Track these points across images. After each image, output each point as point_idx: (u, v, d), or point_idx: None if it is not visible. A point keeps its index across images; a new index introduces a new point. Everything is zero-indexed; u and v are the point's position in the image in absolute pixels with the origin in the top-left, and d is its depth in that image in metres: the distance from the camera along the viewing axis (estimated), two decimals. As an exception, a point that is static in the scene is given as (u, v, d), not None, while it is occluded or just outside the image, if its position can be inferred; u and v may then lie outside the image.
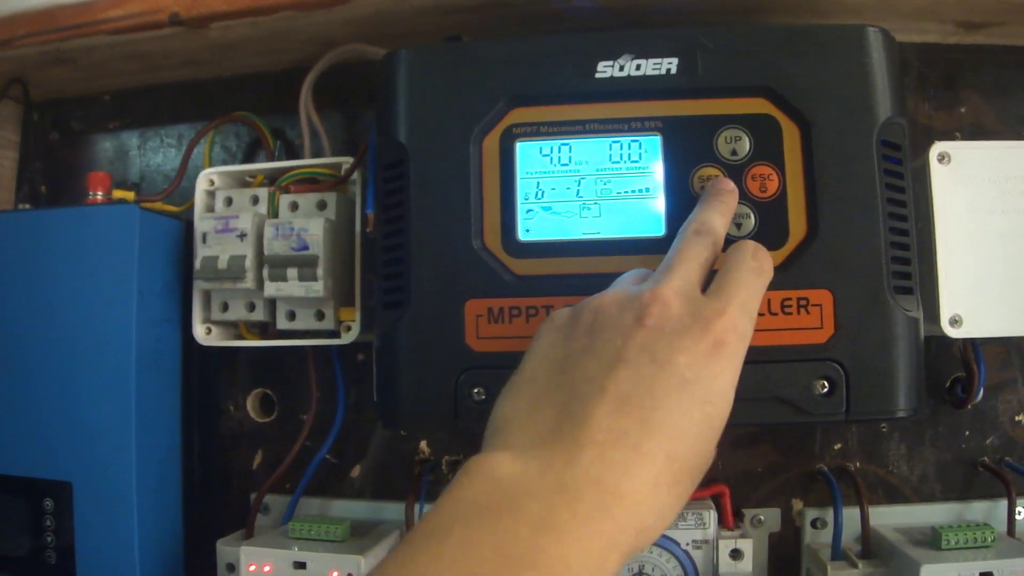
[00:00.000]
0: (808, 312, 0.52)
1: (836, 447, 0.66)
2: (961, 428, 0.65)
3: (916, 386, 0.53)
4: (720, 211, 0.49)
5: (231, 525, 0.67)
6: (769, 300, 0.52)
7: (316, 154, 0.68)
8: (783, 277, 0.52)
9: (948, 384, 0.65)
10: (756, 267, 0.45)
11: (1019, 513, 0.63)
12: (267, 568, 0.59)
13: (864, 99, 0.53)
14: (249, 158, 0.72)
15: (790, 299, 0.52)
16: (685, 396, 0.39)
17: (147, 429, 0.63)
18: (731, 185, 0.51)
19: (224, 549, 0.63)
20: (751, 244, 0.46)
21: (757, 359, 0.51)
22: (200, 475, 0.69)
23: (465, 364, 0.53)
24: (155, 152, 0.74)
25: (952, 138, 0.66)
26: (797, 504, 0.66)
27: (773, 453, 0.66)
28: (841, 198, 0.52)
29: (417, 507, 0.64)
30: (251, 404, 0.70)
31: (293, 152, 0.71)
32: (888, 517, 0.64)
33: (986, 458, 0.65)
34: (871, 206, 0.52)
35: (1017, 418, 0.65)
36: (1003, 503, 0.63)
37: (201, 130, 0.69)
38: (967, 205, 0.59)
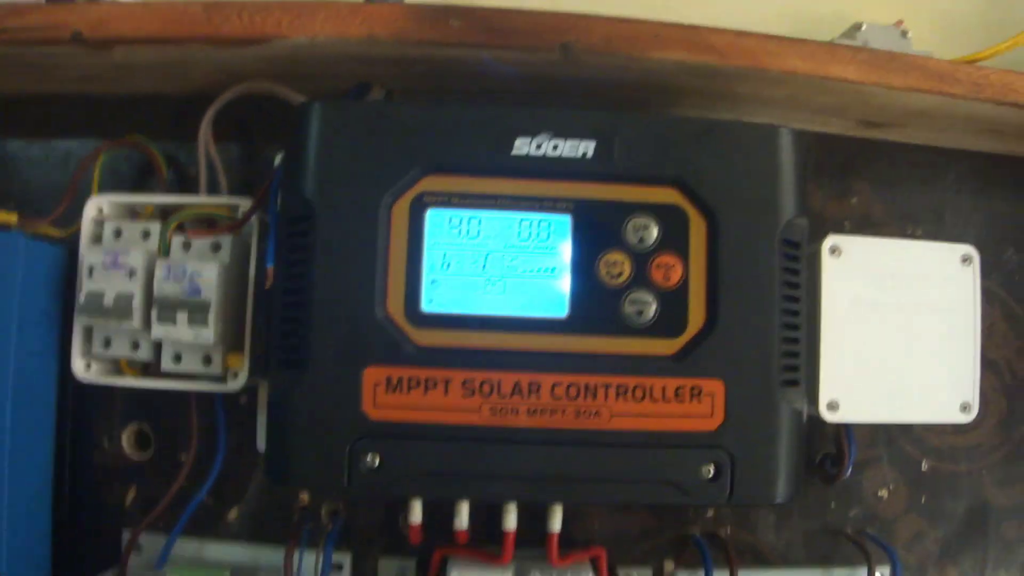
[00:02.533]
0: (700, 400, 0.53)
1: (708, 514, 0.67)
2: (827, 500, 0.68)
3: (795, 475, 0.54)
4: None
5: (101, 563, 0.64)
6: (664, 386, 0.52)
7: (211, 188, 0.65)
8: (678, 365, 0.53)
9: (818, 460, 0.67)
10: None
11: (876, 582, 0.66)
12: (142, 619, 0.56)
13: (771, 198, 0.54)
14: (139, 184, 0.68)
15: (683, 387, 0.53)
16: None
17: (20, 464, 0.59)
18: None
19: (95, 595, 0.60)
20: None
21: (647, 443, 0.53)
22: (71, 511, 0.65)
23: (360, 431, 0.51)
24: (39, 166, 0.68)
25: (841, 227, 0.69)
26: (669, 565, 0.67)
27: (648, 518, 0.67)
28: (740, 291, 0.53)
29: (296, 555, 0.62)
30: (126, 440, 0.67)
31: (186, 182, 0.67)
32: (756, 582, 0.67)
33: (849, 529, 0.68)
34: (768, 301, 0.53)
35: (880, 493, 0.69)
36: (862, 571, 0.67)
37: (93, 151, 0.64)
38: (852, 296, 0.62)
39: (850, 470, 0.65)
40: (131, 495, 0.66)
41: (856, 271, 0.62)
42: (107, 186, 0.65)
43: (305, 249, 0.53)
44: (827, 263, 0.61)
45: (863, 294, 0.62)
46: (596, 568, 0.62)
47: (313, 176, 0.53)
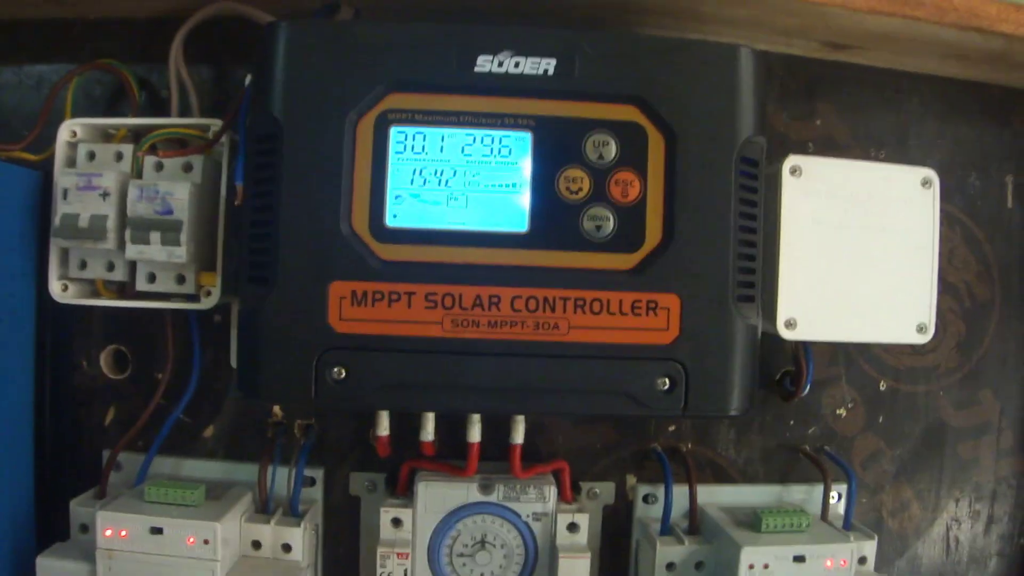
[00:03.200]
0: (656, 314, 0.54)
1: (670, 428, 0.69)
2: (786, 418, 0.70)
3: (749, 388, 0.56)
4: None
5: (82, 482, 0.66)
6: (621, 300, 0.54)
7: (183, 111, 0.65)
8: (635, 279, 0.54)
9: (778, 377, 0.69)
10: None
11: (833, 498, 0.68)
12: (123, 533, 0.58)
13: (729, 117, 0.55)
14: (112, 107, 0.68)
15: (640, 301, 0.54)
16: None
17: (2, 387, 0.61)
18: None
19: (78, 509, 0.62)
20: None
21: (604, 355, 0.54)
22: (51, 432, 0.67)
23: (327, 344, 0.53)
24: (12, 92, 0.69)
25: (805, 149, 0.70)
26: (631, 479, 0.69)
27: (611, 432, 0.69)
28: (697, 208, 0.54)
29: (270, 469, 0.64)
30: (104, 360, 0.68)
31: (159, 105, 0.68)
32: (714, 496, 0.69)
33: (807, 446, 0.70)
34: (724, 218, 0.55)
35: (838, 411, 0.71)
36: (819, 487, 0.69)
37: (66, 75, 0.64)
38: (812, 217, 0.63)
39: (808, 388, 0.66)
40: (110, 415, 0.68)
41: (816, 192, 0.63)
42: (80, 110, 0.65)
43: (273, 167, 0.53)
44: (787, 183, 0.62)
45: (823, 215, 0.63)
46: (559, 481, 0.65)
47: (280, 95, 0.54)
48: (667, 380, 0.54)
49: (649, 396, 0.54)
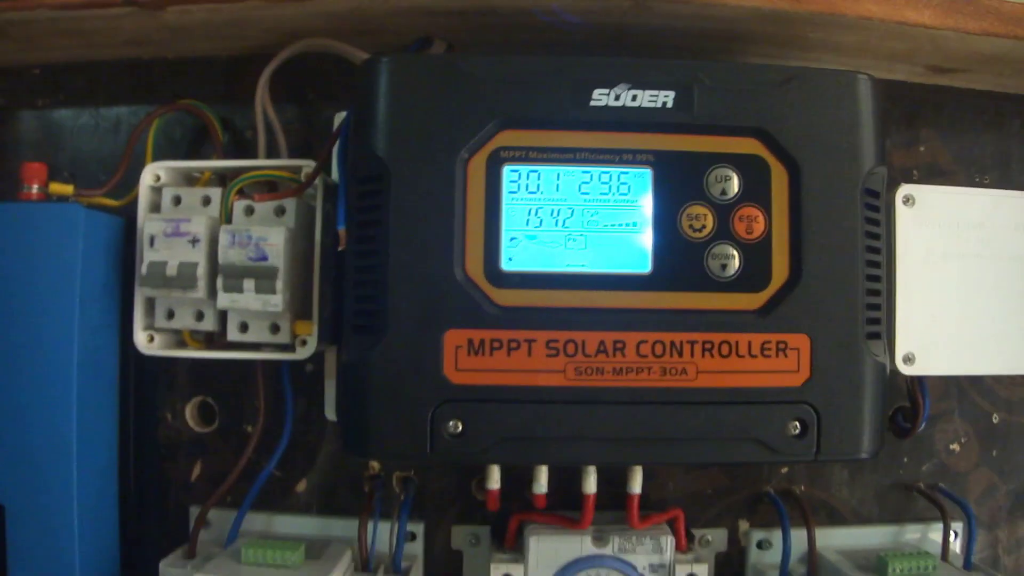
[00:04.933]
0: (786, 356, 0.50)
1: (783, 471, 0.65)
2: (900, 456, 0.66)
3: (879, 428, 0.52)
4: None
5: (168, 540, 0.62)
6: (750, 342, 0.50)
7: (270, 151, 0.62)
8: (764, 320, 0.50)
9: (890, 413, 0.65)
10: None
11: (952, 536, 0.64)
12: (221, 597, 0.54)
13: (853, 147, 0.51)
14: (194, 149, 0.65)
15: (769, 342, 0.50)
16: None
17: (87, 443, 0.57)
18: None
19: (169, 571, 0.57)
20: None
21: (734, 400, 0.50)
22: (136, 488, 0.63)
23: (442, 396, 0.49)
24: (89, 135, 0.65)
25: (910, 176, 0.66)
26: (743, 525, 0.65)
27: (722, 476, 0.65)
28: (824, 244, 0.51)
29: (370, 525, 0.60)
30: (189, 413, 0.64)
31: (242, 146, 0.64)
32: (829, 538, 0.64)
33: (921, 484, 0.66)
34: (852, 253, 0.51)
35: (951, 446, 0.66)
36: (935, 526, 0.65)
37: (146, 117, 0.61)
38: (926, 248, 0.59)
39: (924, 424, 0.62)
40: (197, 470, 0.64)
41: (930, 221, 0.59)
42: (161, 153, 0.62)
43: (379, 209, 0.50)
44: (901, 213, 0.58)
45: (937, 244, 0.59)
46: (674, 529, 0.60)
47: (384, 133, 0.50)
48: (798, 424, 0.50)
49: (780, 441, 0.50)
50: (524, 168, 0.50)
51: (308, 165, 0.57)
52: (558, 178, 0.51)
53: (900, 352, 0.58)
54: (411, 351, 0.49)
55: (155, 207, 0.58)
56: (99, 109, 0.66)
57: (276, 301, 0.55)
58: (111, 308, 0.59)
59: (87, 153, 0.66)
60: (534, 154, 0.51)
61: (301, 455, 0.63)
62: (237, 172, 0.58)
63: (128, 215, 0.59)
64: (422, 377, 0.49)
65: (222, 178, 0.60)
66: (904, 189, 0.58)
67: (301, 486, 0.64)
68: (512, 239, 0.50)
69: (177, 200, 0.58)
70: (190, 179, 0.60)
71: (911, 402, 0.63)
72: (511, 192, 0.50)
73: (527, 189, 0.50)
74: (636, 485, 0.56)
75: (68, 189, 0.58)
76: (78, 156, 0.66)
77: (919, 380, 0.62)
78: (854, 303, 0.51)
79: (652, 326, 0.49)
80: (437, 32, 0.58)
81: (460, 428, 0.49)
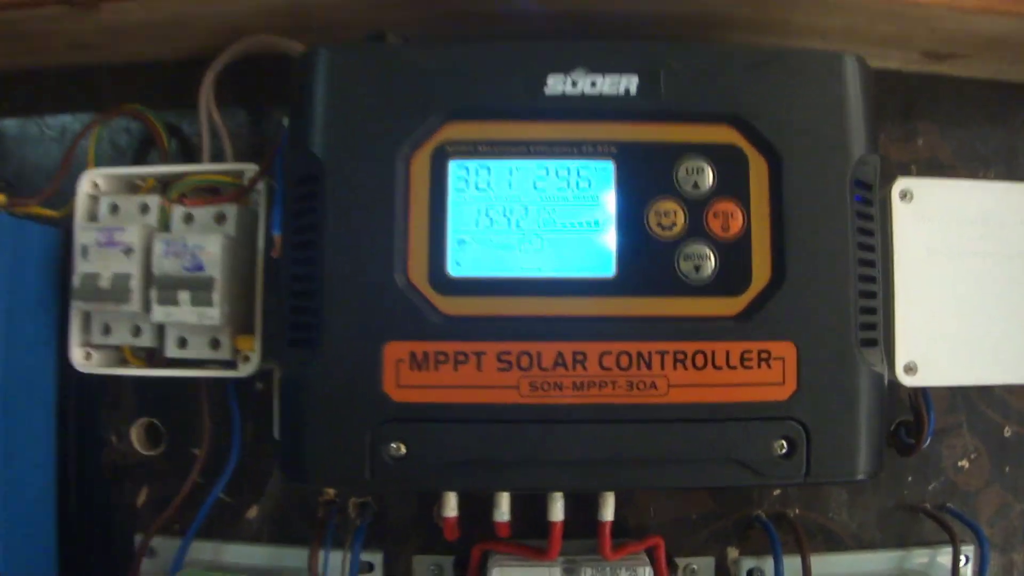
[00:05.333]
0: (769, 366, 0.44)
1: (775, 493, 0.58)
2: (903, 474, 0.58)
3: (878, 446, 0.45)
4: None
5: (114, 571, 0.56)
6: (728, 351, 0.43)
7: (216, 157, 0.56)
8: (744, 327, 0.44)
9: (892, 428, 0.58)
10: None
11: (963, 561, 0.56)
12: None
13: (839, 134, 0.45)
14: (141, 157, 0.59)
15: (750, 352, 0.43)
16: None
17: (17, 466, 0.51)
18: None
19: (105, 607, 0.52)
20: None
21: (711, 417, 0.43)
22: (79, 515, 0.57)
23: (382, 415, 0.42)
24: (34, 145, 0.60)
25: (908, 172, 0.59)
26: (732, 553, 0.58)
27: (707, 500, 0.58)
28: (810, 241, 0.44)
29: (322, 554, 0.54)
30: (135, 435, 0.58)
31: (190, 153, 0.59)
32: (828, 566, 0.57)
33: (927, 505, 0.59)
34: (841, 251, 0.44)
35: (960, 463, 0.59)
36: (944, 550, 0.57)
37: (88, 124, 0.56)
38: (927, 246, 0.52)
39: (929, 440, 0.55)
40: (143, 496, 0.58)
41: (930, 217, 0.52)
42: (105, 162, 0.57)
43: (314, 212, 0.44)
44: (898, 209, 0.52)
45: (938, 242, 0.52)
46: (653, 559, 0.53)
47: (320, 130, 0.44)
48: (784, 443, 0.43)
49: (764, 463, 0.43)
50: (473, 163, 0.44)
51: (252, 169, 0.51)
52: (511, 173, 0.44)
53: (901, 361, 0.51)
54: (348, 366, 0.43)
55: (92, 216, 0.53)
56: (44, 118, 0.60)
57: (213, 314, 0.49)
58: (48, 324, 0.54)
59: (32, 163, 0.60)
60: (484, 148, 0.44)
61: (251, 480, 0.57)
62: (179, 178, 0.52)
63: (68, 227, 0.53)
64: (360, 394, 0.43)
65: (165, 186, 0.54)
66: (901, 183, 0.52)
67: (252, 512, 0.57)
68: (460, 241, 0.44)
69: (115, 208, 0.53)
70: (134, 188, 0.54)
71: (914, 416, 0.55)
72: (458, 190, 0.44)
73: (476, 186, 0.44)
74: (608, 512, 0.49)
75: (0, 199, 0.53)
76: (24, 167, 0.60)
77: (923, 392, 0.55)
78: (845, 307, 0.44)
79: (617, 335, 0.43)
80: (387, 25, 0.52)
81: (403, 451, 0.42)
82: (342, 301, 0.43)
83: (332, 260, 0.43)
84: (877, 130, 0.47)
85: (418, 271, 0.43)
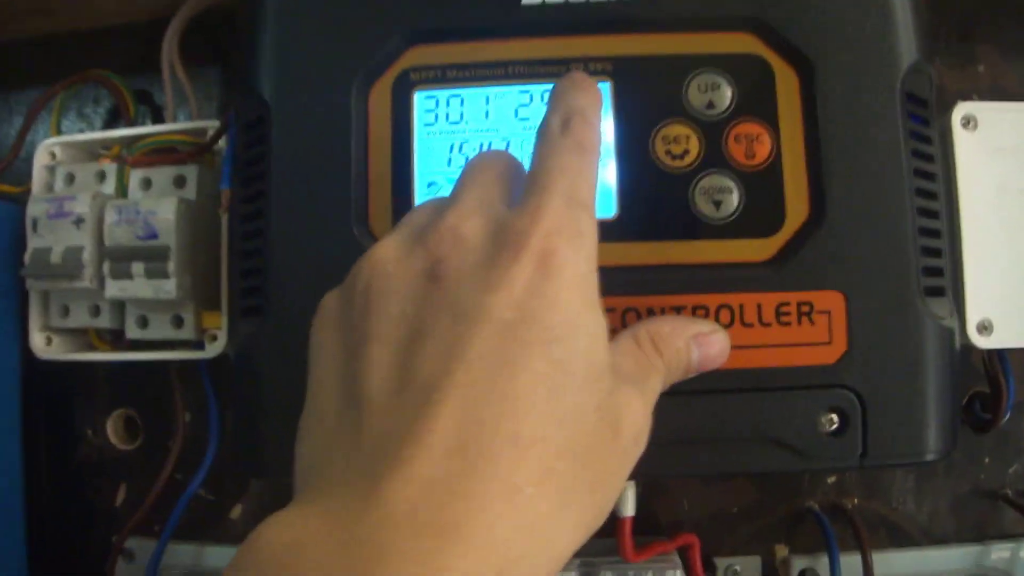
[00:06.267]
0: (812, 322, 0.33)
1: (829, 481, 0.47)
2: (980, 455, 0.46)
3: (951, 418, 0.34)
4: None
5: (90, 573, 0.47)
6: (760, 305, 0.33)
7: (184, 120, 0.48)
8: (778, 274, 0.33)
9: (965, 401, 0.46)
10: (572, 143, 0.27)
11: (1053, 559, 0.45)
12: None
13: (884, 37, 0.34)
14: (109, 125, 0.51)
15: (788, 304, 0.33)
16: (513, 345, 0.23)
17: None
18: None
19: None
20: (559, 103, 0.29)
21: (744, 387, 0.33)
22: (53, 516, 0.49)
23: (345, 394, 0.33)
24: (2, 123, 0.53)
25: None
26: (781, 551, 0.46)
27: (751, 489, 0.47)
28: (855, 167, 0.33)
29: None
30: (112, 428, 0.50)
31: (160, 120, 0.50)
32: (893, 565, 0.45)
33: (1008, 491, 0.47)
34: (895, 178, 0.33)
35: (1045, 442, 0.47)
36: (1029, 545, 0.45)
37: (45, 91, 0.48)
38: (998, 183, 0.41)
39: (1008, 414, 0.43)
40: (122, 494, 0.50)
41: (999, 148, 0.40)
42: (71, 132, 0.49)
43: (261, 161, 0.35)
44: (961, 139, 0.40)
45: (1011, 177, 0.40)
46: (686, 560, 0.43)
47: (267, 68, 0.36)
48: (835, 417, 0.33)
49: (811, 442, 0.33)
50: (442, 92, 0.35)
51: (213, 126, 0.43)
52: (487, 102, 0.35)
53: (973, 319, 0.39)
54: (301, 334, 0.33)
55: (50, 188, 0.45)
56: (10, 93, 0.53)
57: (169, 287, 0.40)
58: (7, 309, 0.46)
59: (4, 144, 0.53)
60: (453, 73, 0.35)
61: (234, 476, 0.48)
62: (138, 141, 0.44)
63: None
64: (317, 369, 0.33)
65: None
66: (962, 108, 0.40)
67: (236, 512, 0.48)
68: (430, 184, 0.34)
69: (71, 179, 0.45)
70: (96, 158, 0.46)
71: (991, 385, 0.43)
72: (426, 124, 0.35)
73: (447, 119, 0.35)
74: (628, 506, 0.39)
75: (-50, 177, 0.45)
76: (-6, 146, 0.53)
77: (1000, 355, 0.43)
78: (903, 245, 0.33)
79: (621, 288, 0.33)
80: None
81: (370, 435, 0.33)
82: (293, 259, 0.34)
83: (280, 212, 0.34)
84: (929, 32, 0.36)
85: (380, 220, 0.34)
